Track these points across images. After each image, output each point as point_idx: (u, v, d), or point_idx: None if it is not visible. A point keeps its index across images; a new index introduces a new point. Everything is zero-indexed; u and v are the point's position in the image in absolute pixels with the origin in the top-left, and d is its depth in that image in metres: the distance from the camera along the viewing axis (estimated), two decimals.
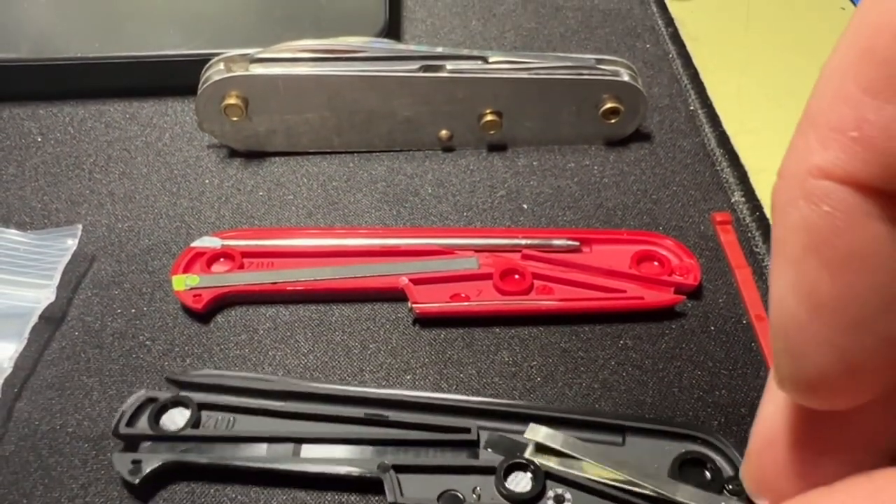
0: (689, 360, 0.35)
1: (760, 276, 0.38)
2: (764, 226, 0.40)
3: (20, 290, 0.35)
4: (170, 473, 0.30)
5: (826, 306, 0.13)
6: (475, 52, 0.43)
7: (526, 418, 0.30)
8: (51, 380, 0.34)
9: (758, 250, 0.39)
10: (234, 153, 0.44)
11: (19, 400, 0.33)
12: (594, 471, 0.28)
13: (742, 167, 0.43)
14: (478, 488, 0.29)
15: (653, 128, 0.46)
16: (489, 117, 0.43)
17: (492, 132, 0.43)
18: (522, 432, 0.30)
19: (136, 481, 0.29)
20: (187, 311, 0.36)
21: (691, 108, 0.47)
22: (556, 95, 0.43)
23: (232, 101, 0.41)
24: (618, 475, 0.28)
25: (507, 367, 0.34)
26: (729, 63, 0.51)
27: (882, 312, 0.12)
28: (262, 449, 0.30)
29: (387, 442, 0.30)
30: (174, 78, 0.46)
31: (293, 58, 0.41)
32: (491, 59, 0.42)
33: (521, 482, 0.29)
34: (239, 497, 0.30)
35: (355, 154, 0.44)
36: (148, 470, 0.29)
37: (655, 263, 0.38)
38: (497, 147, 0.45)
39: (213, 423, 0.31)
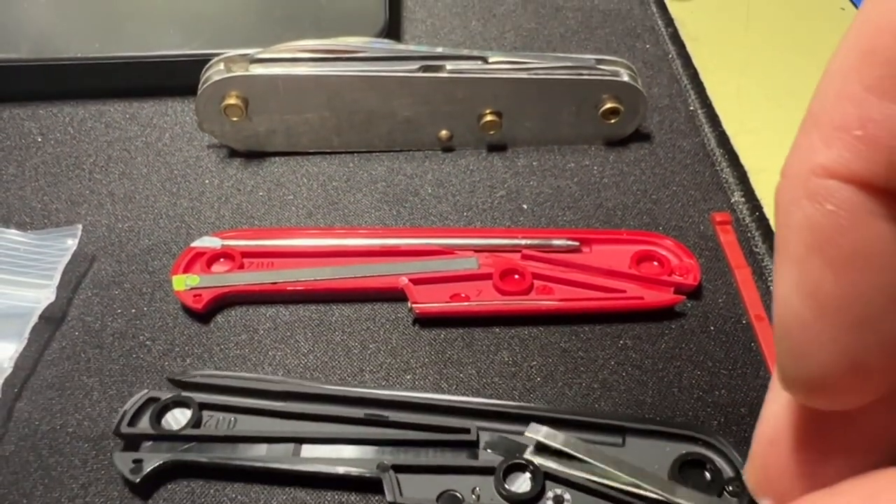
0: (689, 360, 0.35)
1: (760, 276, 0.38)
2: (763, 226, 0.40)
3: (20, 290, 0.35)
4: (170, 473, 0.30)
5: (830, 305, 0.13)
6: (475, 53, 0.43)
7: (526, 419, 0.30)
8: (51, 380, 0.34)
9: (757, 250, 0.39)
10: (234, 153, 0.44)
11: (19, 400, 0.33)
12: (594, 472, 0.28)
13: (742, 167, 0.43)
14: (477, 489, 0.29)
15: (652, 128, 0.46)
16: (489, 117, 0.43)
17: (491, 132, 0.43)
18: (522, 433, 0.30)
19: (137, 480, 0.29)
20: (187, 311, 0.36)
21: (691, 108, 0.47)
22: (555, 95, 0.43)
23: (232, 101, 0.41)
24: (617, 477, 0.28)
25: (507, 367, 0.34)
26: (729, 63, 0.51)
27: (886, 311, 0.12)
28: (262, 449, 0.30)
29: (386, 442, 0.30)
30: (174, 78, 0.46)
31: (293, 58, 0.41)
32: (491, 60, 0.42)
33: (520, 483, 0.29)
34: (239, 496, 0.30)
35: (355, 154, 0.44)
36: (149, 469, 0.29)
37: (655, 263, 0.38)
38: (497, 147, 0.45)
39: (213, 422, 0.31)
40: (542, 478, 0.29)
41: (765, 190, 0.42)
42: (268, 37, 0.43)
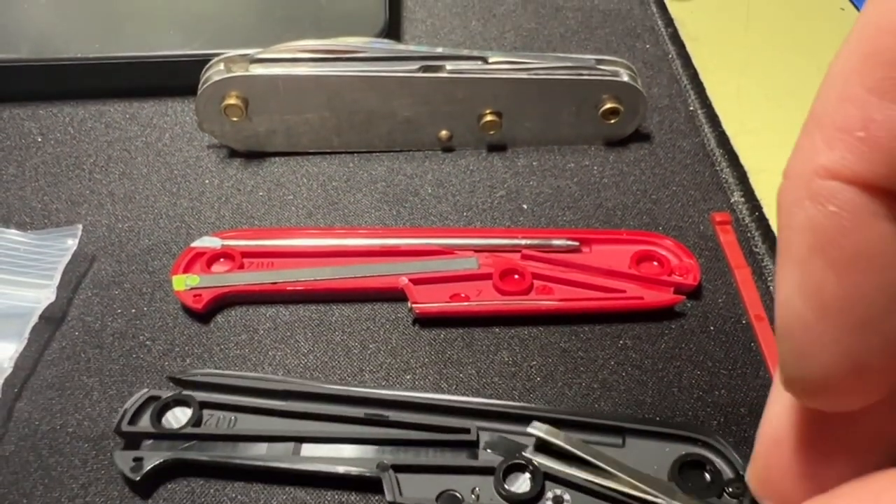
0: (689, 360, 0.35)
1: (760, 276, 0.38)
2: (763, 226, 0.40)
3: (20, 290, 0.35)
4: (170, 471, 0.30)
5: (832, 306, 0.13)
6: (475, 53, 0.43)
7: (526, 419, 0.30)
8: (51, 380, 0.34)
9: (757, 250, 0.39)
10: (234, 153, 0.44)
11: (19, 400, 0.33)
12: (593, 472, 0.28)
13: (742, 167, 0.43)
14: (477, 489, 0.29)
15: (652, 128, 0.46)
16: (489, 117, 0.43)
17: (491, 132, 0.43)
18: (522, 433, 0.30)
19: (138, 478, 0.29)
20: (187, 311, 0.36)
21: (691, 108, 0.47)
22: (555, 96, 0.43)
23: (232, 101, 0.41)
24: (617, 477, 0.28)
25: (507, 367, 0.34)
26: (729, 63, 0.51)
27: (888, 312, 0.12)
28: (262, 448, 0.30)
29: (386, 441, 0.30)
30: (174, 78, 0.46)
31: (293, 58, 0.41)
32: (491, 60, 0.42)
33: (520, 483, 0.29)
34: (239, 495, 0.30)
35: (355, 154, 0.44)
36: (149, 467, 0.29)
37: (655, 263, 0.38)
38: (497, 147, 0.45)
39: (214, 421, 0.31)
40: (542, 478, 0.29)
41: (765, 190, 0.42)
42: (268, 37, 0.43)
